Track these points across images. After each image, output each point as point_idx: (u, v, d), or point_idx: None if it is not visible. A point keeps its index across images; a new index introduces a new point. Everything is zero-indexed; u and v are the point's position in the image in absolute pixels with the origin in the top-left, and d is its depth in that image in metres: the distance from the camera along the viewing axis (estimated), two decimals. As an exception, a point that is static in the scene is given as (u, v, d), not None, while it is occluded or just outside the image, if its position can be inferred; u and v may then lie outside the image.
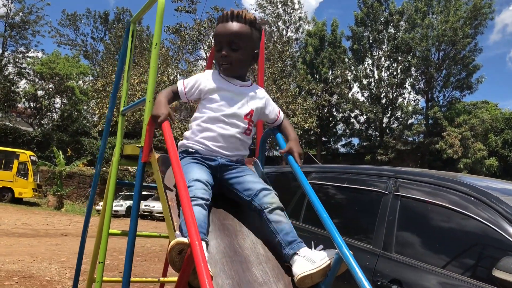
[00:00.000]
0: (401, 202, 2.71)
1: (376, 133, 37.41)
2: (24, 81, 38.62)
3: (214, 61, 2.17)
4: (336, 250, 1.62)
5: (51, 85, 37.90)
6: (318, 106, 33.35)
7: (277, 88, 23.61)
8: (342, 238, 1.59)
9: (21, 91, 37.98)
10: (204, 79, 2.04)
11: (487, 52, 65.90)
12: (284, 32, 38.93)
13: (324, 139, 39.34)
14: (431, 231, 2.61)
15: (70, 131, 36.09)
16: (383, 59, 35.48)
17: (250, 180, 1.93)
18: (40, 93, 37.93)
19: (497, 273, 2.04)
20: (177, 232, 1.57)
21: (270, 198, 1.86)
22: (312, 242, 1.80)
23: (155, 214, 23.57)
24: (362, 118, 37.74)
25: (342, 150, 41.17)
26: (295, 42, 39.90)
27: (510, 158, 29.66)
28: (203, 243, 1.56)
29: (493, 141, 30.27)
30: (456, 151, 29.18)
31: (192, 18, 32.84)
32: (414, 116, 36.22)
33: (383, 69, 35.62)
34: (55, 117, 39.89)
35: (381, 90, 35.64)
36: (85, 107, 39.75)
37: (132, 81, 19.85)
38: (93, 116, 37.91)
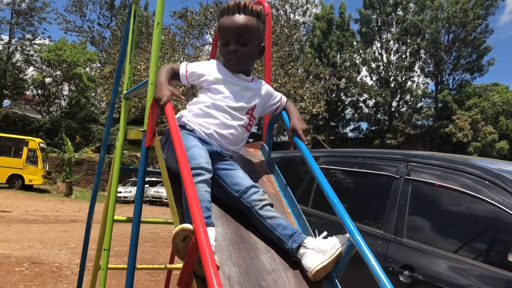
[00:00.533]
0: (413, 186, 2.65)
1: (385, 117, 37.15)
2: (31, 68, 38.82)
3: (218, 55, 2.09)
4: (348, 236, 1.56)
5: (58, 72, 38.03)
6: (326, 91, 33.08)
7: (285, 73, 23.41)
8: (353, 224, 1.53)
9: (29, 78, 38.18)
10: (210, 69, 1.96)
11: (498, 34, 64.87)
12: (291, 15, 38.50)
13: (332, 123, 39.15)
14: (443, 216, 2.55)
15: (78, 118, 36.27)
16: (392, 42, 35.06)
17: (240, 175, 1.83)
18: (48, 80, 38.12)
19: (513, 258, 1.98)
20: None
21: (259, 195, 1.76)
22: (316, 230, 1.74)
23: (164, 200, 23.71)
24: (370, 102, 37.49)
25: (350, 134, 41.04)
26: (303, 25, 39.50)
27: (521, 141, 29.38)
28: (211, 228, 1.51)
29: (504, 124, 29.92)
30: (466, 135, 28.93)
31: (198, 3, 32.66)
32: (423, 99, 35.91)
33: (392, 52, 35.21)
34: (63, 104, 40.09)
35: (390, 74, 35.29)
36: (92, 94, 39.83)
37: (139, 67, 19.77)
38: (101, 102, 37.96)
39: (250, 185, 1.79)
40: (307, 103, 23.51)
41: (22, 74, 37.47)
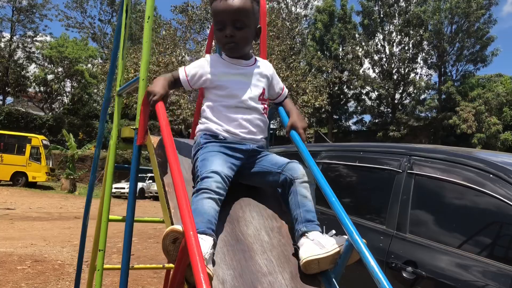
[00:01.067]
0: (415, 181, 2.60)
1: (388, 109, 37.04)
2: (33, 65, 38.83)
3: (214, 42, 2.02)
4: (346, 237, 1.51)
5: (60, 69, 38.07)
6: (329, 84, 32.98)
7: (287, 66, 23.30)
8: (353, 224, 1.47)
9: (31, 75, 38.21)
10: (208, 66, 1.89)
11: (501, 24, 64.42)
12: (293, 8, 38.30)
13: (335, 116, 39.08)
14: (447, 210, 2.51)
15: (81, 115, 36.28)
16: (394, 33, 34.88)
17: (277, 156, 1.90)
18: (50, 77, 38.13)
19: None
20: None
21: (302, 170, 1.80)
22: (324, 226, 1.69)
23: (168, 196, 23.68)
24: (373, 95, 37.39)
25: (353, 127, 41.00)
26: (304, 18, 39.32)
27: (525, 132, 29.21)
28: (210, 239, 1.46)
29: (508, 115, 29.78)
30: (470, 126, 28.81)
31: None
32: (426, 91, 35.79)
33: (394, 44, 35.04)
34: (66, 100, 40.11)
35: (392, 66, 35.12)
36: (95, 90, 39.87)
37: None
38: (103, 99, 37.96)
39: (289, 161, 1.84)
40: (309, 96, 23.42)
41: (24, 71, 37.51)
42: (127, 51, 2.18)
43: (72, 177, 23.69)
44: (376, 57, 35.70)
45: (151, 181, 24.94)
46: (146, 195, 24.96)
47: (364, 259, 1.35)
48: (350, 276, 1.90)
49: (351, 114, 40.00)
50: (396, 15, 34.54)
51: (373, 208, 2.95)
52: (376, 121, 38.08)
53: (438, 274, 2.24)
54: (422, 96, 35.75)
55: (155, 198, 24.16)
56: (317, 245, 1.57)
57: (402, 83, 35.61)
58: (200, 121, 1.92)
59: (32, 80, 38.06)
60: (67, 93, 40.35)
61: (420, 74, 36.00)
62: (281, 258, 1.63)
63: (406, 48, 34.70)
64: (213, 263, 1.46)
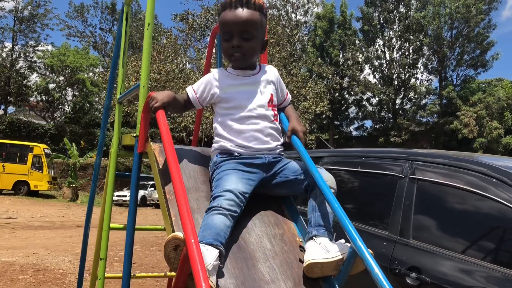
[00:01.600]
0: (418, 186, 2.58)
1: (389, 115, 37.05)
2: (35, 74, 39.00)
3: (215, 49, 2.01)
4: (350, 244, 1.50)
5: (62, 78, 38.21)
6: (330, 90, 33.02)
7: (287, 73, 23.34)
8: (356, 231, 1.46)
9: (33, 84, 38.34)
10: (214, 80, 1.90)
11: (501, 29, 64.54)
12: (293, 15, 38.44)
13: (336, 122, 39.08)
14: (450, 215, 2.48)
15: (82, 123, 36.34)
16: (394, 39, 34.98)
17: (299, 163, 1.88)
18: (51, 86, 38.28)
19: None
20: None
21: (327, 174, 1.80)
22: (334, 234, 1.68)
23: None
24: (374, 100, 37.40)
25: (354, 133, 40.98)
26: (304, 25, 39.44)
27: (527, 136, 29.16)
28: (216, 250, 1.43)
29: (509, 119, 29.77)
30: (472, 131, 28.79)
31: (199, 5, 32.62)
32: (427, 96, 35.84)
33: (394, 50, 35.14)
34: (67, 109, 40.22)
35: (393, 71, 35.19)
36: (96, 99, 39.96)
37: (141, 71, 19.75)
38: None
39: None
40: (310, 103, 23.44)
41: (26, 80, 37.64)
42: (128, 59, 2.19)
43: (74, 185, 23.68)
44: (376, 63, 35.80)
45: (152, 188, 24.90)
46: (148, 202, 24.94)
47: (368, 266, 1.33)
48: (354, 283, 1.89)
49: (352, 120, 40.04)
50: (396, 20, 34.66)
51: (375, 213, 2.93)
52: (377, 126, 38.08)
53: (442, 279, 2.21)
54: (423, 101, 35.84)
55: (157, 205, 24.10)
56: (323, 249, 1.57)
57: (403, 88, 35.66)
58: (214, 140, 1.91)
59: (33, 89, 38.20)
60: (69, 102, 40.49)
61: (421, 79, 36.19)
62: (284, 265, 1.61)
63: (406, 53, 34.78)
64: (219, 276, 1.43)
